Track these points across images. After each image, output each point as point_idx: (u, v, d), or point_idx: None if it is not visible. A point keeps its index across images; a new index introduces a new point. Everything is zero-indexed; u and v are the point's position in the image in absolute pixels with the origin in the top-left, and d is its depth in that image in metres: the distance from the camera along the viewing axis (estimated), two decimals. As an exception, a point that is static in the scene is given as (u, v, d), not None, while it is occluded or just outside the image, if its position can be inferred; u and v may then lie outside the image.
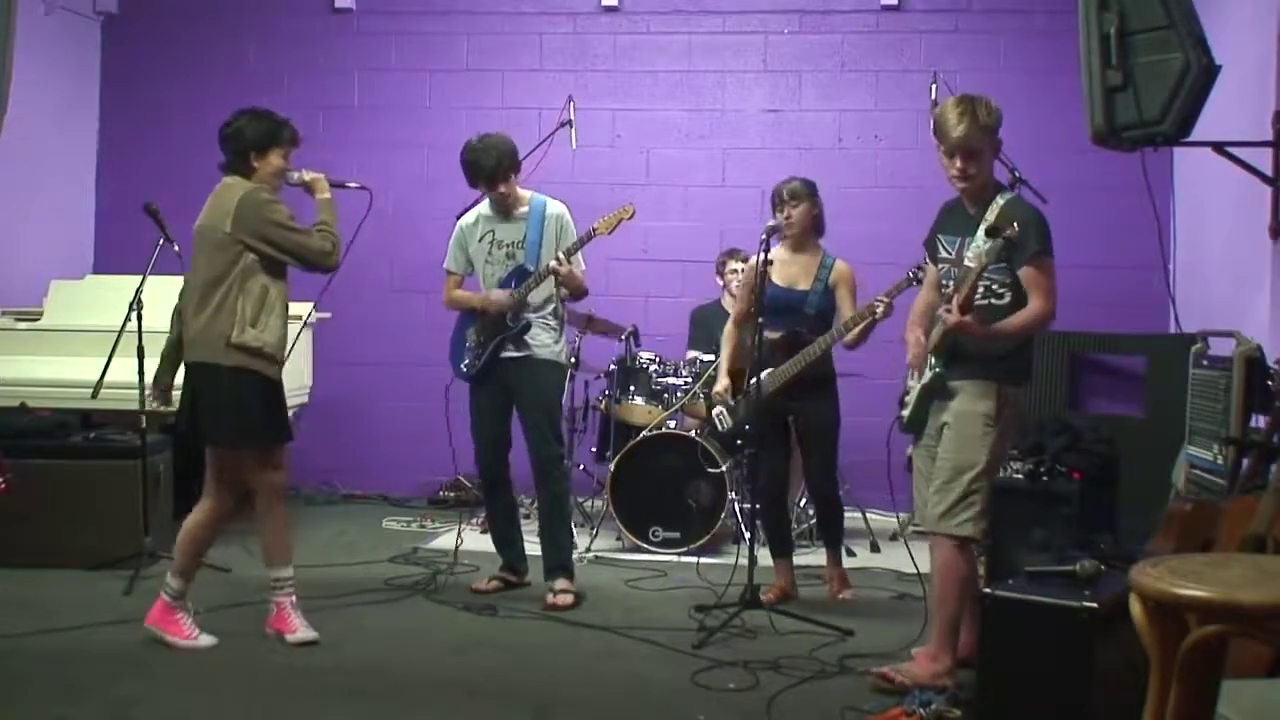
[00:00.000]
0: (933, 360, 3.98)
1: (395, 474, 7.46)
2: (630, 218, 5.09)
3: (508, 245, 5.12)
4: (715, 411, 5.12)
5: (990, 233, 3.77)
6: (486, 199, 5.18)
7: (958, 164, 3.89)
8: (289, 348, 4.38)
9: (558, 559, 5.07)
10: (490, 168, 4.99)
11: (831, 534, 5.19)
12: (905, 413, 4.13)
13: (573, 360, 5.37)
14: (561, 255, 4.97)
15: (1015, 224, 3.74)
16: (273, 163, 4.32)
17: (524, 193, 5.17)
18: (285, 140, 4.35)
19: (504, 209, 5.12)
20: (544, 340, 5.09)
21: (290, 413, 6.17)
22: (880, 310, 4.66)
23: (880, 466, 4.68)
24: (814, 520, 6.28)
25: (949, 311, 3.78)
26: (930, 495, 3.97)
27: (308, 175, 4.44)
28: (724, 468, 5.84)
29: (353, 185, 4.62)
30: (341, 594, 5.02)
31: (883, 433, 4.29)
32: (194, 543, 4.34)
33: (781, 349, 4.82)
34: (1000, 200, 3.92)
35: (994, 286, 3.89)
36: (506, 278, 5.10)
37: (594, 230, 5.04)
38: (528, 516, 5.85)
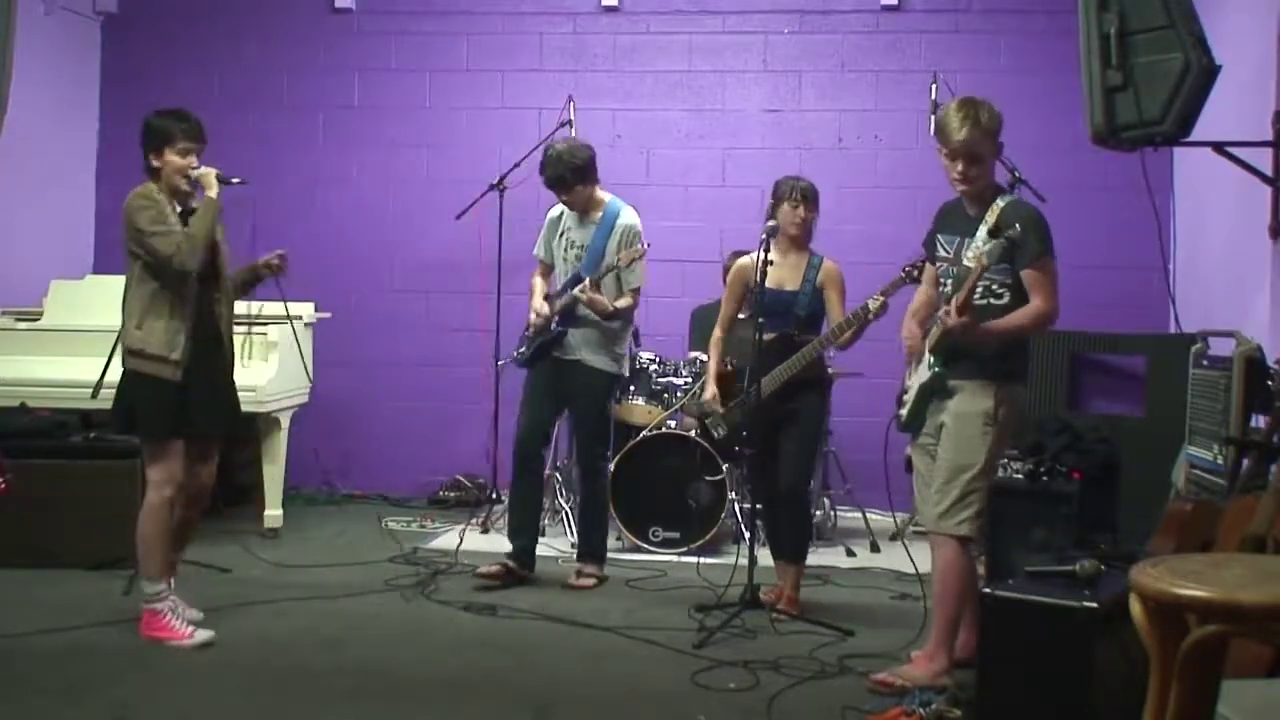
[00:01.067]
0: (931, 359, 3.99)
1: (395, 474, 7.46)
2: (641, 258, 5.20)
3: (577, 247, 5.30)
4: (709, 420, 5.04)
5: (993, 233, 3.79)
6: None
7: (959, 167, 3.90)
8: (183, 349, 4.27)
9: (590, 546, 5.34)
10: (551, 178, 5.22)
11: (795, 546, 4.90)
12: (903, 412, 4.13)
13: (619, 363, 5.45)
14: (587, 282, 5.12)
15: (1017, 225, 3.75)
16: (171, 161, 4.31)
17: (604, 196, 5.34)
18: (179, 136, 4.31)
19: (583, 210, 5.29)
20: (598, 349, 5.25)
21: (288, 414, 6.21)
22: (874, 308, 4.57)
23: (881, 466, 4.66)
24: (813, 523, 6.29)
25: (947, 314, 3.79)
26: (930, 495, 3.97)
27: (199, 171, 4.36)
28: (724, 474, 5.83)
29: (235, 181, 4.47)
30: (341, 594, 5.03)
31: (882, 432, 4.29)
32: (142, 542, 4.33)
33: (774, 351, 4.75)
34: (1001, 202, 3.93)
35: (993, 286, 3.90)
36: (567, 282, 5.29)
37: (618, 262, 5.15)
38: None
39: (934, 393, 4.00)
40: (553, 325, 5.24)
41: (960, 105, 3.93)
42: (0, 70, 4.46)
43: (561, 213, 5.39)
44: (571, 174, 5.18)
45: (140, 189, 4.33)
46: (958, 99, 4.00)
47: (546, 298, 5.38)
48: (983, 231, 3.87)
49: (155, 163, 4.32)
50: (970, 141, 3.86)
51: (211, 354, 4.40)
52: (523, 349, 5.41)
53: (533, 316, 5.31)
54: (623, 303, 5.24)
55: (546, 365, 5.30)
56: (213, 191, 4.35)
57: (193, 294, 4.33)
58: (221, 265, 4.45)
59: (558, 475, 6.47)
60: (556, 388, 5.30)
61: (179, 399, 4.28)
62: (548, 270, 5.45)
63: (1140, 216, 5.82)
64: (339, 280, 7.42)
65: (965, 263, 3.89)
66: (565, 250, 5.33)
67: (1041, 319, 3.87)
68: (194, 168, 4.35)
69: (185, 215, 4.36)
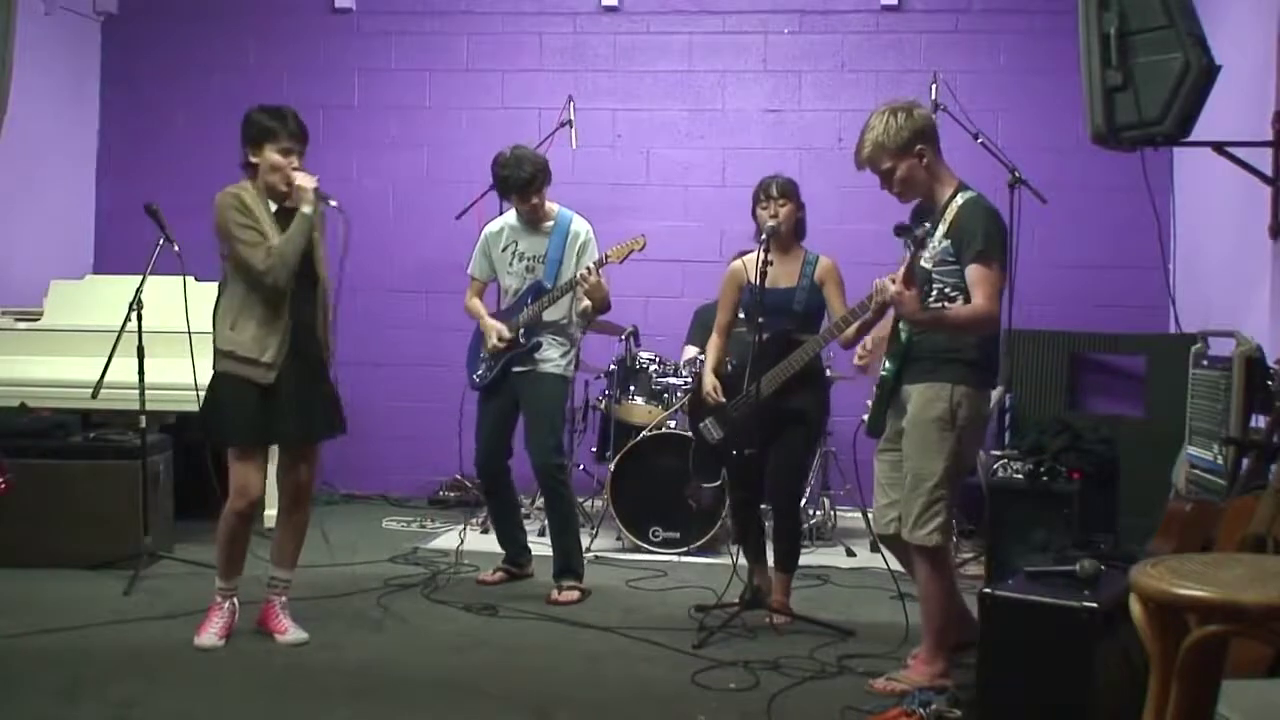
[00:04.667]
0: (886, 363, 3.96)
1: (395, 474, 7.47)
2: (640, 249, 5.10)
3: (528, 259, 5.20)
4: (702, 425, 4.89)
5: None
6: (514, 209, 5.26)
7: (883, 186, 3.91)
8: (276, 350, 4.20)
9: (565, 563, 5.15)
10: (524, 181, 5.06)
11: (788, 554, 4.79)
12: (867, 416, 4.11)
13: (573, 369, 5.38)
14: (591, 265, 5.01)
15: (926, 225, 3.73)
16: (268, 158, 4.21)
17: (552, 206, 5.23)
18: (280, 136, 4.21)
19: (532, 221, 5.18)
20: (552, 355, 5.17)
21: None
22: (878, 293, 4.22)
23: (871, 466, 4.64)
24: (813, 523, 6.29)
25: (892, 281, 3.71)
26: (901, 505, 3.93)
27: (299, 179, 4.24)
28: (720, 481, 5.77)
29: (333, 204, 4.39)
30: (341, 594, 5.02)
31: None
32: (216, 543, 4.35)
33: (772, 350, 4.62)
34: (959, 200, 3.86)
35: (946, 289, 3.84)
36: (524, 293, 5.18)
37: (606, 257, 5.08)
38: (528, 516, 5.86)
39: (890, 395, 3.97)
40: (520, 339, 5.13)
41: (867, 123, 3.89)
42: (0, 70, 4.46)
43: (502, 227, 5.28)
44: (542, 172, 5.11)
45: (232, 189, 4.23)
46: (872, 113, 3.94)
47: (494, 316, 5.26)
48: (940, 231, 3.82)
49: (253, 158, 4.22)
50: (869, 161, 3.87)
51: (303, 358, 4.30)
52: (480, 371, 5.26)
53: (494, 339, 5.13)
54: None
55: (500, 387, 5.20)
56: (307, 208, 4.23)
57: (289, 297, 4.24)
58: (318, 268, 4.38)
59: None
60: (511, 404, 5.20)
61: (265, 405, 4.20)
62: (482, 289, 5.34)
63: (1140, 216, 5.83)
64: (339, 280, 7.41)
65: (922, 264, 3.82)
66: (512, 263, 5.21)
67: (980, 317, 3.75)
68: (295, 168, 4.24)
69: (280, 214, 4.26)
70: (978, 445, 4.21)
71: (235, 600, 4.38)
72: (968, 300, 3.80)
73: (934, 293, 3.82)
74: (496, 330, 5.16)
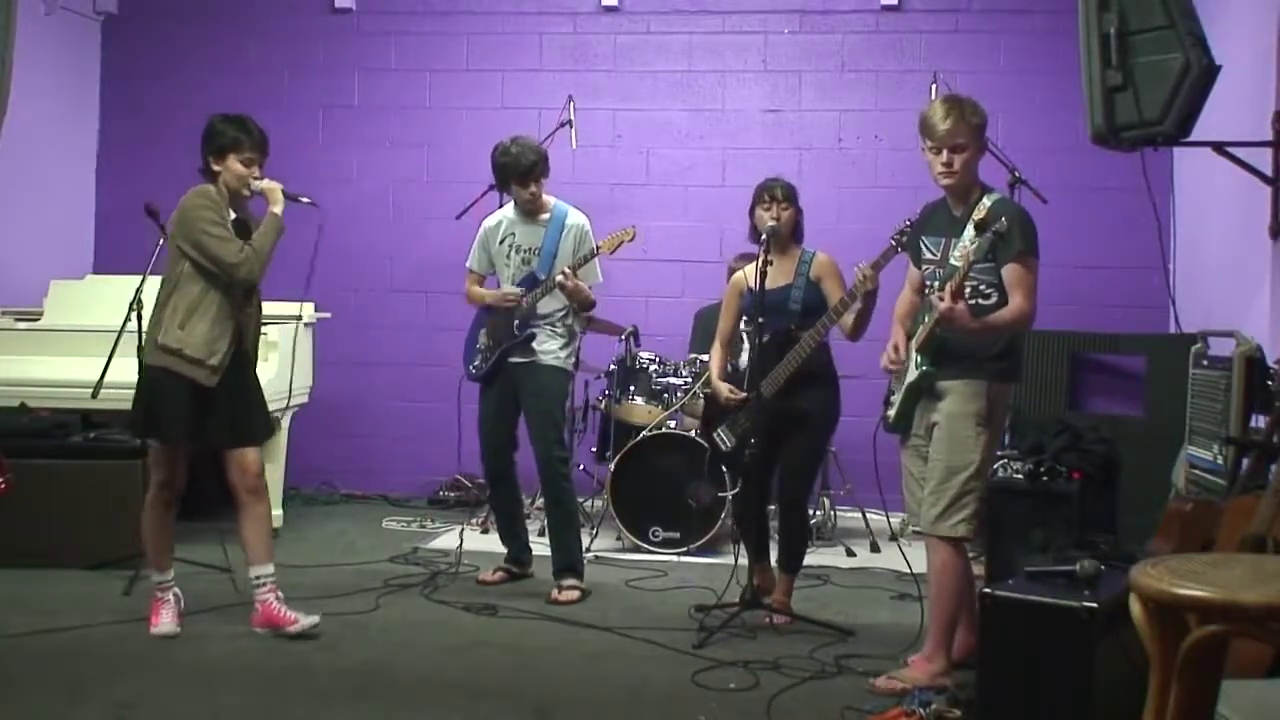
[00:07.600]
0: (919, 359, 3.97)
1: (395, 474, 7.47)
2: (630, 240, 5.13)
3: (525, 250, 5.21)
4: (715, 434, 4.89)
5: (979, 227, 3.78)
6: (511, 203, 5.27)
7: (944, 158, 3.88)
8: (223, 355, 4.28)
9: (565, 561, 5.15)
10: (526, 167, 5.08)
11: (793, 555, 4.81)
12: (890, 412, 4.12)
13: (573, 362, 5.39)
14: (568, 269, 5.02)
15: (1004, 219, 3.75)
16: (232, 168, 4.31)
17: (549, 199, 5.25)
18: (244, 147, 4.31)
19: (530, 212, 5.20)
20: (551, 347, 5.17)
21: (288, 414, 6.21)
22: (862, 280, 4.34)
23: (882, 467, 4.65)
24: (813, 523, 6.28)
25: (940, 299, 3.76)
26: (925, 497, 3.95)
27: (264, 184, 4.38)
28: (734, 490, 5.76)
29: (304, 200, 4.52)
30: (341, 594, 5.03)
31: (882, 433, 4.28)
32: (146, 532, 4.45)
33: (773, 349, 4.64)
34: (988, 200, 3.91)
35: (980, 286, 3.88)
36: (519, 284, 5.20)
37: (597, 249, 5.10)
38: (528, 516, 5.85)
39: (922, 393, 3.99)
40: (515, 329, 5.15)
41: (945, 99, 3.95)
42: (1, 70, 4.46)
43: (500, 220, 5.30)
44: (543, 160, 5.12)
45: (200, 189, 4.33)
46: (942, 96, 4.01)
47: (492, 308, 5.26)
48: (970, 229, 3.85)
49: (215, 166, 4.33)
50: (954, 131, 3.85)
51: (238, 363, 4.37)
52: (476, 362, 5.28)
53: (509, 288, 5.15)
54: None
55: (498, 378, 5.21)
56: (278, 208, 4.37)
57: (237, 301, 4.33)
58: None
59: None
60: (512, 396, 5.20)
61: (199, 405, 4.27)
62: (479, 282, 5.35)
63: (1140, 216, 5.84)
64: (339, 280, 7.42)
65: (953, 262, 3.87)
66: (509, 255, 5.22)
67: (1022, 318, 3.83)
68: (256, 178, 4.36)
69: (236, 224, 4.35)
70: (999, 441, 4.27)
71: (176, 591, 4.49)
72: (1001, 295, 3.85)
73: (967, 289, 3.84)
74: (503, 293, 5.18)
